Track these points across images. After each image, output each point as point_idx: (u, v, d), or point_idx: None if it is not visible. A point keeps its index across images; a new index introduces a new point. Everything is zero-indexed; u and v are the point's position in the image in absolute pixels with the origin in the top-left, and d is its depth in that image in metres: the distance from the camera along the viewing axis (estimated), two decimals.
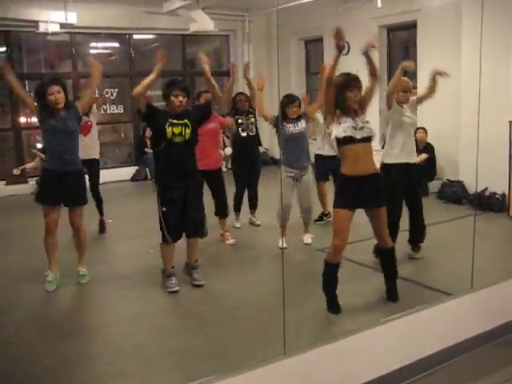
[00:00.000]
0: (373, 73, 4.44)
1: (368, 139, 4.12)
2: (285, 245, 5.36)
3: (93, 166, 6.56)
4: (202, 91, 6.21)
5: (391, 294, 4.39)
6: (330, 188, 7.46)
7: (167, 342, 3.90)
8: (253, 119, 6.63)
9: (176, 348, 3.80)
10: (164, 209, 4.62)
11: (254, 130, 6.68)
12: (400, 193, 5.22)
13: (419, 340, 3.59)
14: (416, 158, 5.42)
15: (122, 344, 3.91)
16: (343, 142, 4.06)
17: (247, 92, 6.83)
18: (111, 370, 3.55)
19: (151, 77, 4.71)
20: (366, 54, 4.42)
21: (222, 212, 6.27)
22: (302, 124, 5.83)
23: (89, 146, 6.46)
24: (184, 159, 4.66)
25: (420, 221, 5.50)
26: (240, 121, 6.59)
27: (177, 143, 4.58)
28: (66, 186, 4.79)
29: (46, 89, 4.69)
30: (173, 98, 4.59)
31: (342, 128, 4.07)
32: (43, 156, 6.39)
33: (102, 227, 6.82)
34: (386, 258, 4.41)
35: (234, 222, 6.84)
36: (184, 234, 4.88)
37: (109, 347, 3.86)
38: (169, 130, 4.53)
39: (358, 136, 4.06)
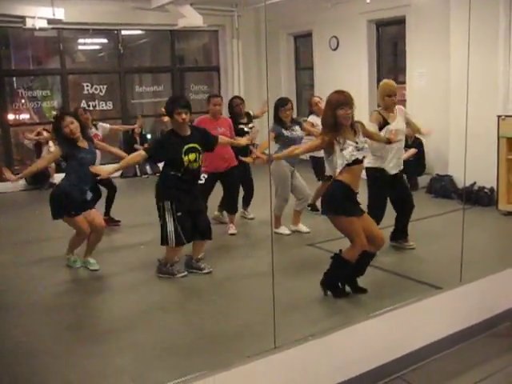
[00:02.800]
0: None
1: (363, 159, 4.30)
2: (287, 231, 6.17)
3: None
4: (212, 96, 6.43)
5: (359, 289, 4.49)
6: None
7: (160, 338, 3.90)
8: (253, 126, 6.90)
9: (169, 344, 3.79)
10: (179, 213, 4.78)
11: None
12: (384, 198, 5.39)
13: (409, 333, 3.62)
14: (401, 167, 5.48)
15: (115, 341, 3.90)
16: (351, 163, 4.15)
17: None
18: (105, 366, 3.55)
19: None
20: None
21: (232, 208, 6.52)
22: (297, 131, 6.09)
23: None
24: (196, 182, 5.00)
25: (406, 222, 5.62)
26: (246, 129, 6.73)
27: (193, 169, 4.83)
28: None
29: None
30: (176, 116, 4.71)
31: (348, 152, 4.11)
32: None
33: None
34: (368, 259, 4.45)
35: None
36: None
37: (103, 344, 3.85)
38: (186, 158, 4.71)
39: (360, 157, 4.20)
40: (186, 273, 5.07)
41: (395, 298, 3.98)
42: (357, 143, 4.17)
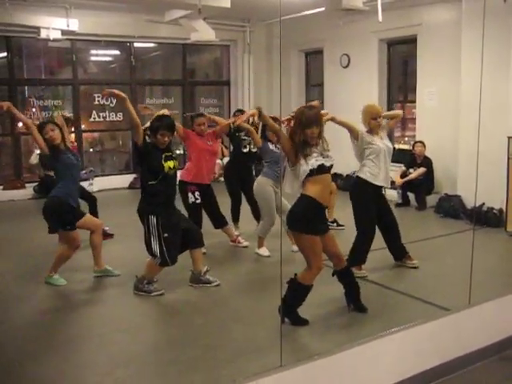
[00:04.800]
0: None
1: (331, 167, 4.15)
2: (267, 253, 6.02)
3: None
4: (196, 115, 6.40)
5: (360, 307, 4.43)
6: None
7: (163, 352, 3.87)
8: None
9: (172, 359, 3.76)
10: (166, 235, 4.76)
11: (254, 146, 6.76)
12: (371, 210, 5.30)
13: (416, 355, 3.58)
14: (389, 184, 5.47)
15: (117, 353, 3.89)
16: (316, 171, 4.02)
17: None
18: (106, 379, 3.52)
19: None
20: None
21: (221, 223, 6.37)
22: None
23: None
24: (175, 188, 5.06)
25: (398, 240, 5.59)
26: (243, 137, 6.73)
27: (171, 176, 4.87)
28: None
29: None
30: (159, 137, 4.78)
31: (313, 159, 4.02)
32: None
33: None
34: (346, 278, 4.39)
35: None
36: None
37: (104, 356, 3.84)
38: (166, 164, 4.77)
39: (327, 164, 4.09)
40: (162, 291, 4.95)
41: (402, 319, 3.95)
42: (323, 150, 4.12)
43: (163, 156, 4.79)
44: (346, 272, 4.40)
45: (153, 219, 4.75)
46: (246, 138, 6.72)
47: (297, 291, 4.16)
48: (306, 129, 4.03)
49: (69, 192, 5.21)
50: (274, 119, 6.16)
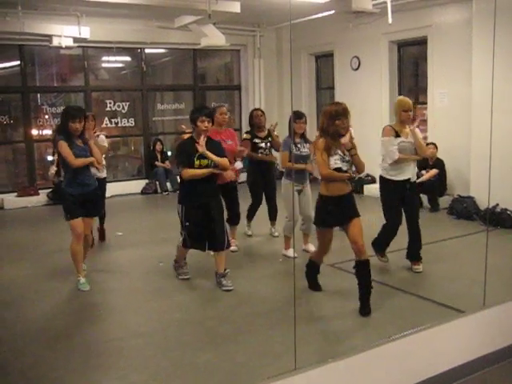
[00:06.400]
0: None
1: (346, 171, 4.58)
2: (296, 254, 5.61)
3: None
4: (218, 106, 6.62)
5: (364, 308, 4.47)
6: None
7: (178, 356, 3.89)
8: (269, 143, 6.79)
9: (187, 363, 3.78)
10: (187, 223, 5.17)
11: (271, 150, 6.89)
12: (396, 202, 5.44)
13: (430, 358, 3.56)
14: (414, 176, 5.57)
15: (133, 358, 3.91)
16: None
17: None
18: (123, 383, 3.54)
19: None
20: None
21: (233, 221, 6.55)
22: (306, 147, 6.05)
23: None
24: (208, 182, 5.18)
25: (412, 242, 5.54)
26: (259, 145, 6.76)
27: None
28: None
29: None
30: (199, 124, 5.07)
31: (333, 160, 4.48)
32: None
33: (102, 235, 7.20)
34: (363, 271, 4.50)
35: (246, 229, 7.16)
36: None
37: (120, 360, 3.85)
38: (197, 162, 5.06)
39: (344, 168, 4.52)
40: (187, 276, 5.45)
41: (417, 321, 3.93)
42: (344, 154, 4.49)
43: (198, 154, 5.05)
44: (363, 264, 4.49)
45: (180, 207, 5.20)
46: (262, 145, 6.74)
47: (309, 266, 5.02)
48: (336, 119, 4.38)
49: (70, 181, 5.28)
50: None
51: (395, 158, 5.27)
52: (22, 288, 5.46)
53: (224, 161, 5.17)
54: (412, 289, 5.04)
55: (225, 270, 5.26)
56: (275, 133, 6.79)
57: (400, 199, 5.42)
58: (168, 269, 5.67)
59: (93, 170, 5.67)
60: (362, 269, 4.47)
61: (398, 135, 5.34)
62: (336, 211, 4.52)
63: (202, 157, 5.02)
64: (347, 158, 4.48)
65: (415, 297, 4.87)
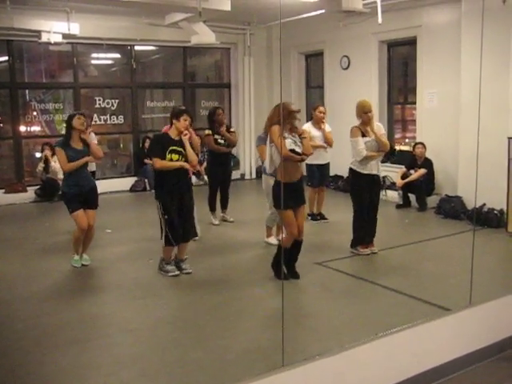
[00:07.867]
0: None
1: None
2: (275, 241, 6.35)
3: None
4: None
5: (294, 274, 5.23)
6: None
7: (166, 353, 3.89)
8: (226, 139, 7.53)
9: (176, 359, 3.79)
10: (166, 216, 5.35)
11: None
12: (364, 191, 5.99)
13: (417, 355, 3.59)
14: (380, 170, 6.16)
15: (121, 355, 3.90)
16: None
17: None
18: (111, 380, 3.53)
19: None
20: None
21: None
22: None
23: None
24: (182, 176, 5.47)
25: (373, 220, 6.11)
26: (219, 140, 7.49)
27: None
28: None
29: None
30: (182, 120, 5.35)
31: (288, 143, 5.03)
32: None
33: None
34: (297, 247, 5.23)
35: (212, 219, 7.69)
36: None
37: (108, 358, 3.85)
38: (168, 156, 5.30)
39: (297, 149, 5.08)
40: (177, 273, 5.50)
41: (404, 319, 3.96)
42: (294, 137, 5.12)
43: (170, 149, 5.30)
44: (300, 243, 5.25)
45: (158, 203, 5.41)
46: (222, 142, 7.49)
47: (279, 251, 5.24)
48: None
49: (66, 181, 5.74)
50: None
51: (363, 155, 5.83)
52: (8, 284, 5.42)
53: (194, 156, 5.46)
54: (399, 287, 5.07)
55: (185, 257, 5.63)
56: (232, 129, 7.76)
57: (367, 189, 5.97)
58: (156, 266, 5.66)
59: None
60: (298, 246, 5.22)
61: (364, 135, 5.91)
62: (291, 195, 4.99)
63: (174, 152, 5.30)
64: (298, 141, 5.10)
65: (402, 295, 4.91)
